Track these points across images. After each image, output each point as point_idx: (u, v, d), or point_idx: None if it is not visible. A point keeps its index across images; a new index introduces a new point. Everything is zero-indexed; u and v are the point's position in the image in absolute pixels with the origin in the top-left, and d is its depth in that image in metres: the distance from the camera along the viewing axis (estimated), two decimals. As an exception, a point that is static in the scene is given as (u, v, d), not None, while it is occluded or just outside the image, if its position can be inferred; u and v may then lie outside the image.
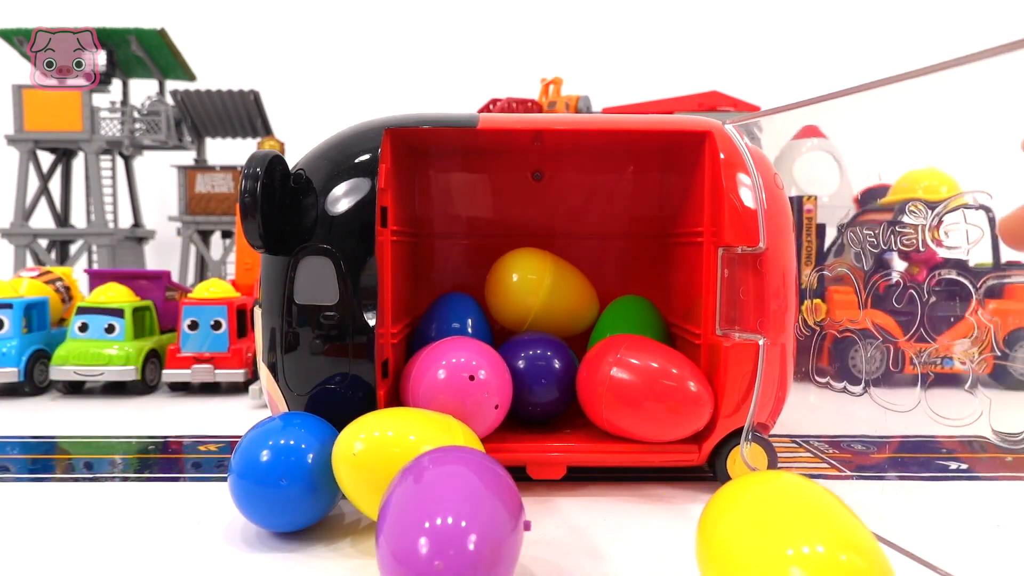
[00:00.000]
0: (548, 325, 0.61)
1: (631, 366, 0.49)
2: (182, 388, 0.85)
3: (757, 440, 0.47)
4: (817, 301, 0.46)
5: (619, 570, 0.38)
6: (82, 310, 0.83)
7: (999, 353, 0.34)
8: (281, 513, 0.40)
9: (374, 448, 0.38)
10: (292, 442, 0.41)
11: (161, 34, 1.54)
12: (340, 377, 0.47)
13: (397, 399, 0.52)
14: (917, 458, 0.56)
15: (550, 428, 0.55)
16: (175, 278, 1.35)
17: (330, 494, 0.42)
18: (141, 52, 1.56)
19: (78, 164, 1.76)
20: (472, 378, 0.47)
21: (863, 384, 0.41)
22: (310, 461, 0.40)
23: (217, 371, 0.81)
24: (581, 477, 0.52)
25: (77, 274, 1.06)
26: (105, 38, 1.50)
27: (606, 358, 0.50)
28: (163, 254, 1.82)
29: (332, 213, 0.46)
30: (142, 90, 1.69)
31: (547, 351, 0.54)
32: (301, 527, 0.42)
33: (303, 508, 0.41)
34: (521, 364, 0.53)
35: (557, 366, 0.54)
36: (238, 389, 0.85)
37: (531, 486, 0.50)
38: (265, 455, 0.40)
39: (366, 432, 0.39)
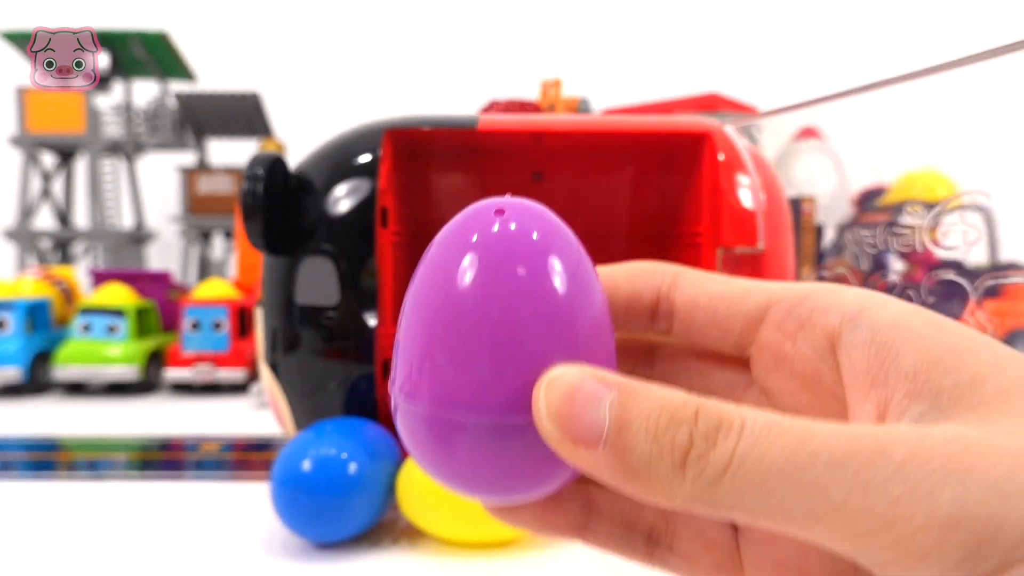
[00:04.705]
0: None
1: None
2: (184, 388, 0.86)
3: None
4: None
5: (619, 570, 0.38)
6: (85, 310, 0.84)
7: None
8: (329, 523, 0.39)
9: None
10: (345, 454, 0.39)
11: (163, 36, 1.54)
12: (341, 377, 0.47)
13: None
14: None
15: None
16: (177, 278, 1.35)
17: (380, 504, 0.41)
18: (143, 54, 1.57)
19: (80, 165, 1.76)
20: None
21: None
22: (364, 472, 0.39)
23: (219, 371, 0.82)
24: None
25: (80, 274, 1.06)
26: (108, 40, 1.51)
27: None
28: (165, 254, 1.82)
29: (333, 214, 0.47)
30: (144, 92, 1.70)
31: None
32: (345, 538, 0.41)
33: (352, 519, 0.39)
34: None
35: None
36: (239, 389, 0.86)
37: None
38: (310, 464, 0.38)
39: None
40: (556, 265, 0.15)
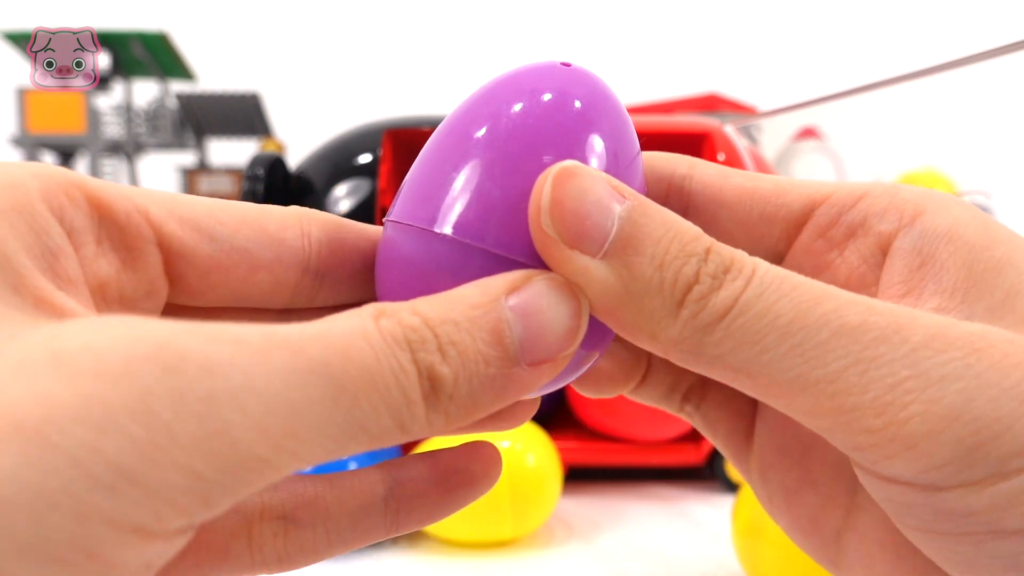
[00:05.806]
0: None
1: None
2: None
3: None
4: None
5: (619, 570, 0.38)
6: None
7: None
8: None
9: None
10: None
11: (163, 36, 1.54)
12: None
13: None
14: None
15: (548, 428, 0.55)
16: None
17: None
18: (143, 54, 1.57)
19: (81, 165, 1.76)
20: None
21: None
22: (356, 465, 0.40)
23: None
24: (581, 477, 0.52)
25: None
26: (108, 40, 1.51)
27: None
28: (165, 255, 1.82)
29: (333, 214, 0.47)
30: (144, 92, 1.70)
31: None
32: None
33: None
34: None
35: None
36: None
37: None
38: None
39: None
40: (597, 141, 0.14)
